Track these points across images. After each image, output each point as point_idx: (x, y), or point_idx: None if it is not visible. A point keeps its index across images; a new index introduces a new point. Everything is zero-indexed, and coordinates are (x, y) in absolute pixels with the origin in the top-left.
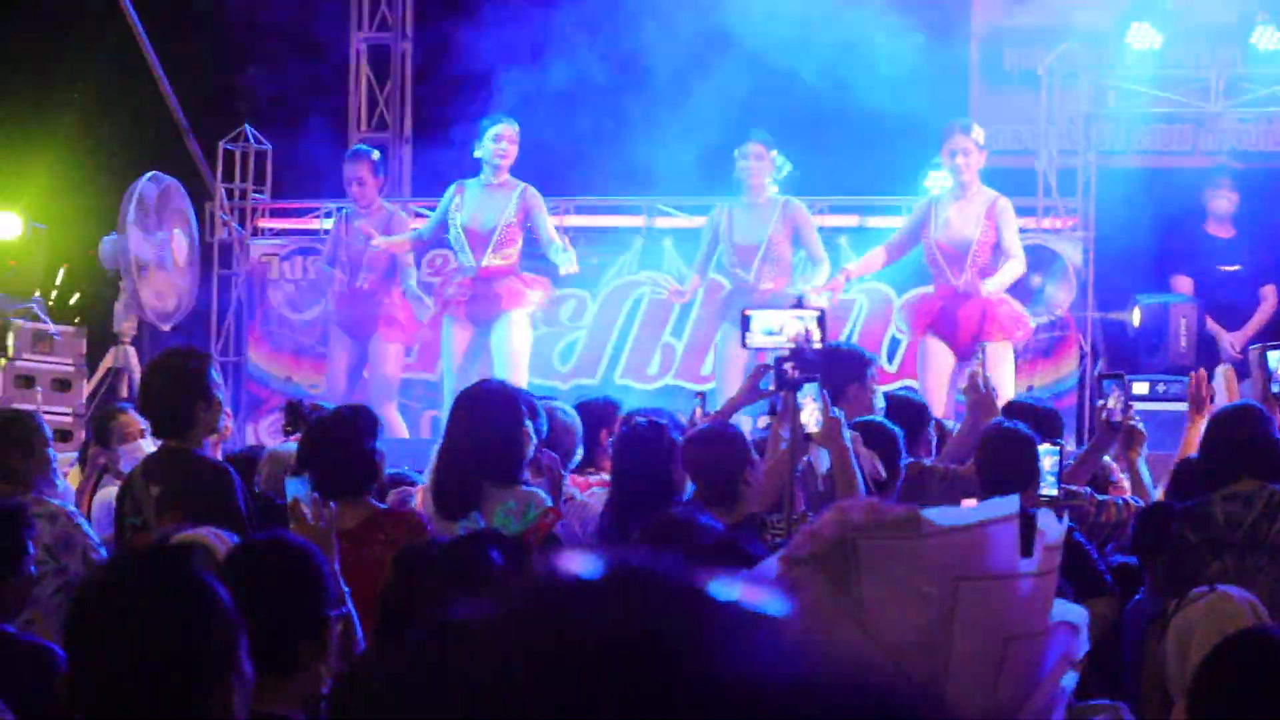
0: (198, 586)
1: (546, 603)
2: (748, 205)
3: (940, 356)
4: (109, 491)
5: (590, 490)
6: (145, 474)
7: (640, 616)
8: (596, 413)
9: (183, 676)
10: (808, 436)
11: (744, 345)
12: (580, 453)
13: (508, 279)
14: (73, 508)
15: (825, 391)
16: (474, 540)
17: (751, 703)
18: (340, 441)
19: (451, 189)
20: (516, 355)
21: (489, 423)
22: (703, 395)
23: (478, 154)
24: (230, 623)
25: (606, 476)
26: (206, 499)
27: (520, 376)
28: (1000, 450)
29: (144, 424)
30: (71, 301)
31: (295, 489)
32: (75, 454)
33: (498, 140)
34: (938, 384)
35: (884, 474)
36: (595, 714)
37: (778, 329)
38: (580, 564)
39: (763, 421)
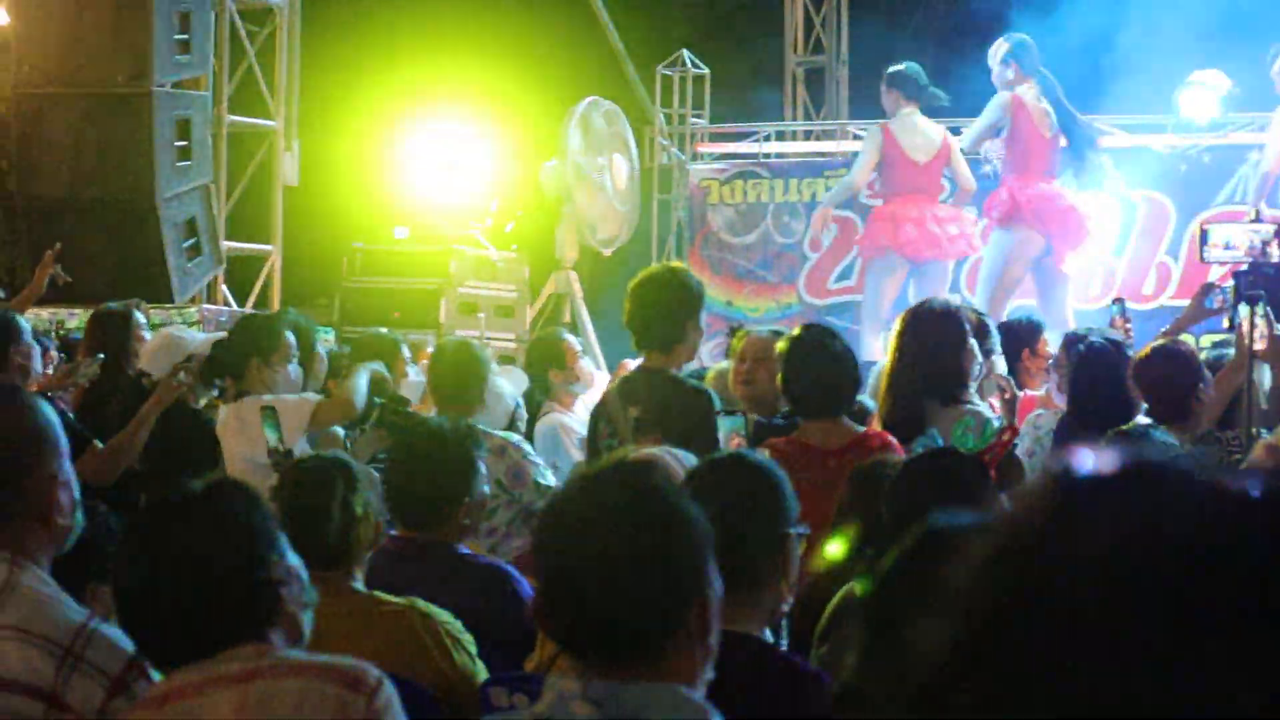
0: (670, 501)
1: (1074, 499)
2: None
3: None
4: (551, 418)
5: (1037, 412)
6: (623, 395)
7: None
8: (1020, 333)
9: (658, 592)
10: (1253, 353)
11: (1201, 259)
12: None
13: None
14: (517, 438)
15: (1270, 309)
16: (937, 456)
17: None
18: (816, 365)
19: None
20: None
21: (933, 343)
22: (1120, 300)
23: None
24: (704, 537)
25: (1031, 393)
26: (686, 422)
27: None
28: None
29: (579, 347)
30: (507, 229)
31: (727, 426)
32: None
33: None
34: None
35: None
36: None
37: (1234, 244)
38: (1097, 461)
39: (1207, 339)
